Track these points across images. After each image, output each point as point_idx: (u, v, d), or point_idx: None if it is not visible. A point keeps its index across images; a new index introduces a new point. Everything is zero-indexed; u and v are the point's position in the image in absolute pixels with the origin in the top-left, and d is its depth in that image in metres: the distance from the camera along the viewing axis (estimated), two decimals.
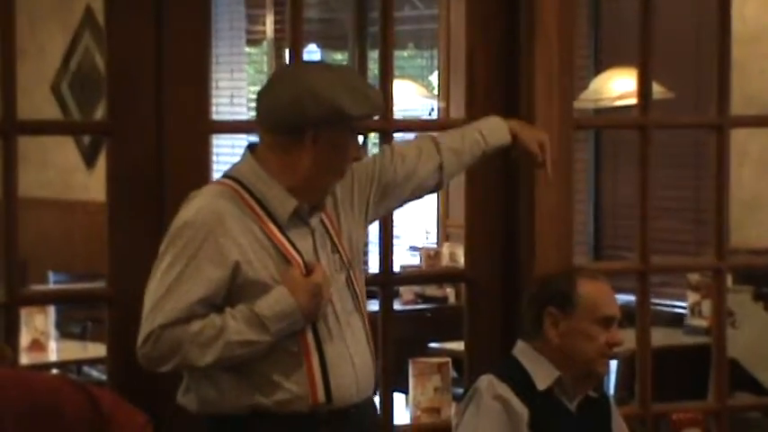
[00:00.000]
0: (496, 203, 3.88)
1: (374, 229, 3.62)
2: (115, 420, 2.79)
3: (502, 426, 3.29)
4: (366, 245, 3.50)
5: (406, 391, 4.67)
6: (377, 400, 3.29)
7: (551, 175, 3.49)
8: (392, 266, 3.84)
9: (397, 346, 3.81)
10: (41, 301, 5.46)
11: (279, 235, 3.00)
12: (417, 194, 3.36)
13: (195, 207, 2.99)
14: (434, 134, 3.41)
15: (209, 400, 3.00)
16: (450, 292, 7.82)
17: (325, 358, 2.99)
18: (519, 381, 3.34)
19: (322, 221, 3.10)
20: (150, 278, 2.99)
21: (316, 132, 2.98)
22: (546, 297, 3.41)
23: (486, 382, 3.34)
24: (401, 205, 3.38)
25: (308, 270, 2.98)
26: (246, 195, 3.01)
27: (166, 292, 2.93)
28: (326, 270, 3.02)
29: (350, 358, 3.03)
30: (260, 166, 3.03)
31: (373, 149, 8.85)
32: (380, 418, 3.30)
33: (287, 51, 3.91)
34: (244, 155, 3.10)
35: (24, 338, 5.69)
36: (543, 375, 3.36)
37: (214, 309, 2.94)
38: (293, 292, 2.94)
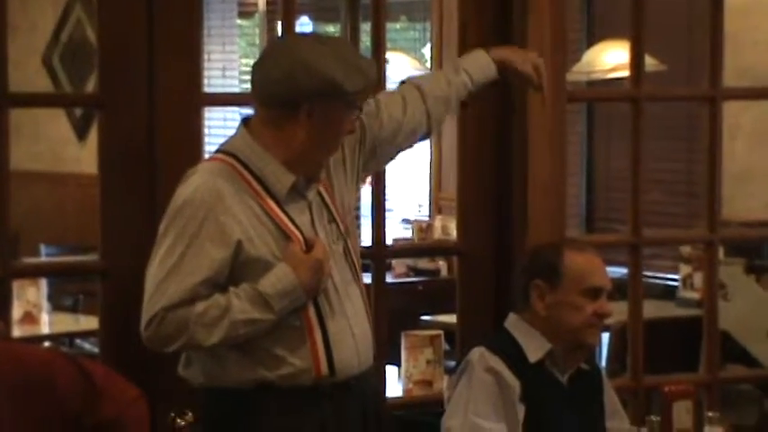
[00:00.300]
0: (489, 176, 3.88)
1: (366, 202, 3.62)
2: (107, 393, 2.79)
3: (494, 398, 3.29)
4: (358, 217, 3.50)
5: (398, 364, 4.67)
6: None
7: (548, 97, 3.48)
8: (384, 239, 3.84)
9: (389, 318, 3.81)
10: (33, 273, 5.45)
11: (278, 211, 2.99)
12: (407, 146, 3.34)
13: (193, 185, 2.97)
14: (419, 80, 3.38)
15: (213, 374, 3.01)
16: (442, 264, 7.81)
17: (328, 332, 3.00)
18: (511, 353, 3.35)
19: (319, 192, 3.10)
20: (151, 259, 2.97)
21: (310, 106, 2.96)
22: (533, 269, 3.42)
23: (478, 354, 3.34)
24: (393, 158, 3.37)
25: (308, 245, 2.98)
26: (244, 171, 3.00)
27: (168, 273, 2.91)
28: (325, 243, 3.02)
29: (350, 330, 3.04)
30: (254, 140, 3.02)
31: None
32: (381, 387, 3.32)
33: (279, 24, 3.90)
34: (238, 129, 3.08)
35: (16, 311, 5.68)
36: (535, 348, 3.37)
37: (218, 288, 2.93)
38: (295, 269, 2.93)
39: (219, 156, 3.04)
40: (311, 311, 2.99)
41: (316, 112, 2.97)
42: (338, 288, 3.05)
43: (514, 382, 3.31)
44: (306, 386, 2.99)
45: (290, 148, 3.00)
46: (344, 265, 3.10)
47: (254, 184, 2.99)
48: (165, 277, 2.91)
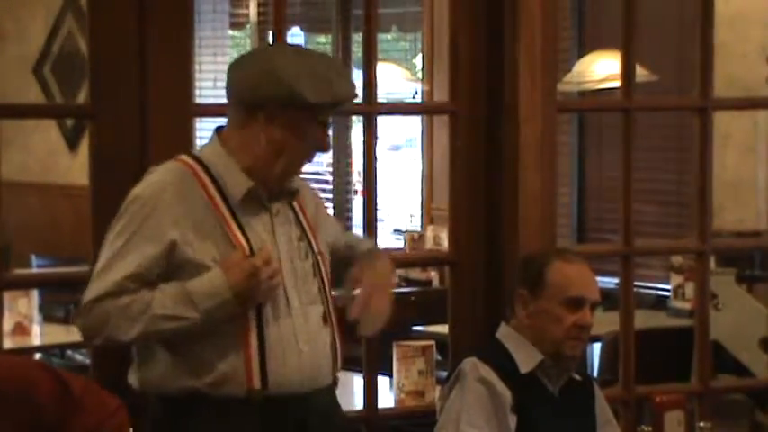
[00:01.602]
0: (480, 187, 3.89)
1: (358, 213, 3.62)
2: (86, 404, 2.77)
3: (486, 408, 3.29)
4: (350, 228, 3.49)
5: (390, 375, 4.67)
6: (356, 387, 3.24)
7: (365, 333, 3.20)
8: None
9: (381, 329, 3.80)
10: (25, 284, 5.43)
11: (227, 216, 2.97)
12: None
13: (146, 182, 3.01)
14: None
15: (149, 379, 3.00)
16: (434, 275, 7.81)
17: (266, 344, 2.94)
18: (502, 363, 3.35)
19: (293, 209, 3.09)
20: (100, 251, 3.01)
21: (271, 111, 2.97)
22: (519, 277, 3.44)
23: (470, 364, 3.35)
24: None
25: (253, 254, 2.95)
26: (203, 174, 3.00)
27: (104, 266, 2.96)
28: (283, 255, 3.00)
29: (296, 346, 2.98)
30: (222, 145, 3.04)
31: (356, 128, 8.81)
32: (339, 411, 3.17)
33: (270, 34, 3.90)
34: (212, 136, 3.10)
35: (7, 322, 5.67)
36: (526, 358, 3.37)
37: (147, 285, 2.93)
38: (226, 272, 2.91)
39: (183, 157, 3.06)
40: (251, 319, 2.94)
41: (276, 118, 2.97)
42: (291, 302, 3.00)
43: (506, 393, 3.31)
44: (237, 397, 2.93)
45: (253, 154, 3.00)
46: (311, 282, 3.05)
47: (211, 187, 2.99)
48: (102, 269, 2.95)
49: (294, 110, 2.97)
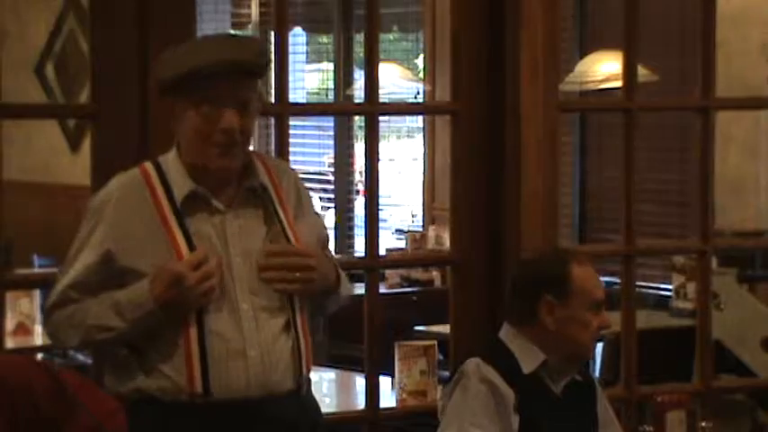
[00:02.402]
0: (482, 186, 3.89)
1: (360, 213, 3.61)
2: (83, 404, 2.77)
3: (489, 408, 3.29)
4: (352, 228, 3.46)
5: (391, 375, 4.67)
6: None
7: None
8: (378, 250, 3.84)
9: (382, 329, 3.81)
10: (26, 284, 5.43)
11: (171, 221, 2.93)
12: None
13: (102, 191, 3.04)
14: None
15: (109, 379, 3.02)
16: (435, 275, 7.81)
17: (206, 347, 2.88)
18: (505, 364, 3.34)
19: (273, 205, 3.00)
20: None
21: (172, 98, 2.94)
22: (540, 283, 3.37)
23: (473, 365, 3.34)
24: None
25: (197, 259, 2.88)
26: (155, 179, 2.98)
27: (58, 273, 3.03)
28: (236, 258, 2.92)
29: (243, 351, 2.90)
30: (177, 145, 3.02)
31: (359, 132, 8.81)
32: (305, 419, 3.02)
33: (272, 34, 3.90)
34: None
35: (10, 322, 5.67)
36: (529, 359, 3.36)
37: (90, 293, 2.95)
38: (151, 281, 2.88)
39: (145, 163, 3.05)
40: (191, 325, 2.88)
41: (177, 103, 2.94)
42: (239, 305, 2.91)
43: (509, 393, 3.30)
44: (182, 401, 2.90)
45: (184, 148, 2.98)
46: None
47: (159, 193, 2.96)
48: (57, 278, 3.03)
49: (185, 88, 2.90)
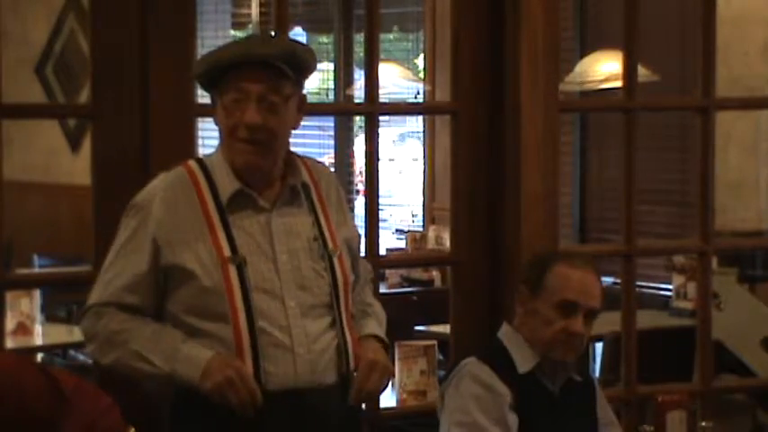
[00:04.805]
0: (482, 187, 3.89)
1: (360, 213, 3.61)
2: (78, 402, 2.77)
3: (485, 408, 3.28)
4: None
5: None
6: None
7: (355, 399, 3.10)
8: (378, 250, 3.84)
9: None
10: (27, 284, 5.43)
11: (215, 219, 2.96)
12: None
13: (146, 189, 3.05)
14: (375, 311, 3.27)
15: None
16: (435, 275, 7.81)
17: (257, 344, 2.91)
18: (501, 363, 3.34)
19: (313, 205, 3.06)
20: None
21: (211, 96, 3.01)
22: (523, 274, 3.44)
23: (468, 364, 3.34)
24: None
25: (236, 256, 2.93)
26: (200, 177, 3.01)
27: (104, 270, 3.01)
28: (282, 257, 2.97)
29: (291, 348, 2.94)
30: (220, 145, 3.05)
31: (359, 132, 8.80)
32: (341, 412, 3.06)
33: (272, 34, 3.90)
34: None
35: (10, 322, 5.67)
36: (524, 358, 3.36)
37: (145, 295, 2.95)
38: (212, 366, 2.87)
39: (190, 162, 3.08)
40: (241, 322, 2.91)
41: (213, 100, 3.01)
42: (287, 304, 2.96)
43: (505, 391, 3.30)
44: None
45: (222, 145, 3.02)
46: (321, 284, 3.01)
47: (205, 190, 2.99)
48: (102, 273, 3.01)
49: (217, 83, 2.98)
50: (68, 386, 2.78)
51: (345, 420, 3.07)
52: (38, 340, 6.21)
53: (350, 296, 3.10)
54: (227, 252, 2.94)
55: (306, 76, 3.06)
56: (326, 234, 3.07)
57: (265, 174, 3.02)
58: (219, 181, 3.00)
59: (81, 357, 6.84)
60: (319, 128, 9.97)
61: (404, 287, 7.73)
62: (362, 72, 3.83)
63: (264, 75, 2.95)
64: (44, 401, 2.73)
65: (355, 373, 3.06)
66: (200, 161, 3.07)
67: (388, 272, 7.34)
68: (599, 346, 6.05)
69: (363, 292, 3.25)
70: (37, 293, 6.15)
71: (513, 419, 3.29)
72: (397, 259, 6.09)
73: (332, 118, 9.34)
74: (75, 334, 6.65)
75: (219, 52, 2.99)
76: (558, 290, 3.33)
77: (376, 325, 3.21)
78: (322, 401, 3.00)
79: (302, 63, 3.01)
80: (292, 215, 3.04)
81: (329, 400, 3.02)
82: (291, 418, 2.96)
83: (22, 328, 6.05)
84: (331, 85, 9.70)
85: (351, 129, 9.41)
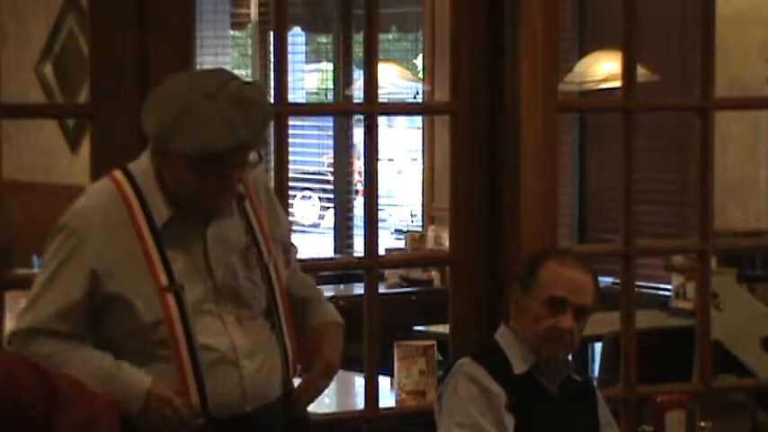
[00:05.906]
0: (481, 186, 3.89)
1: (359, 213, 3.61)
2: (73, 401, 2.77)
3: (480, 408, 3.27)
4: (351, 228, 3.44)
5: (391, 375, 4.67)
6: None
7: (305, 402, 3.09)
8: (377, 250, 3.84)
9: (381, 329, 3.81)
10: (26, 284, 5.42)
11: (150, 245, 2.89)
12: None
13: (76, 208, 2.93)
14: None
15: None
16: (435, 275, 7.81)
17: (198, 361, 2.86)
18: (495, 363, 3.33)
19: (245, 212, 2.98)
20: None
21: (159, 153, 2.89)
22: (517, 272, 3.44)
23: (463, 365, 3.34)
24: None
25: (172, 284, 2.87)
26: (131, 195, 2.91)
27: (35, 295, 2.93)
28: (219, 280, 2.91)
29: (236, 362, 2.90)
30: (151, 160, 2.93)
31: (358, 132, 8.82)
32: (292, 423, 3.05)
33: (271, 34, 3.90)
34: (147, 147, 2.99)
35: (9, 322, 5.66)
36: (521, 358, 3.35)
37: (79, 327, 2.89)
38: (150, 400, 2.83)
39: (117, 174, 2.95)
40: (180, 340, 2.86)
41: (165, 159, 2.88)
42: (225, 317, 2.91)
43: (500, 392, 3.29)
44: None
45: (169, 181, 2.90)
46: (258, 293, 2.97)
47: (137, 211, 2.89)
48: (33, 298, 2.94)
49: (168, 153, 2.85)
50: (64, 385, 2.78)
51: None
52: None
53: (287, 301, 3.03)
54: (164, 280, 2.87)
55: None
56: (260, 241, 2.99)
57: None
58: (152, 203, 2.90)
59: None
60: (318, 128, 9.99)
61: (403, 287, 7.72)
62: (361, 72, 3.83)
63: (245, 155, 2.89)
64: (39, 399, 2.73)
65: (300, 371, 3.01)
66: (127, 173, 2.95)
67: (387, 272, 7.34)
68: (598, 346, 6.05)
69: (297, 273, 3.18)
70: None
71: (509, 420, 3.29)
72: (396, 259, 6.09)
73: (331, 118, 9.34)
74: None
75: (208, 135, 2.78)
76: (547, 287, 3.32)
77: (330, 309, 3.16)
78: (270, 418, 2.96)
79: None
80: (227, 226, 2.95)
81: (276, 415, 2.98)
82: None
83: None
84: (330, 85, 9.71)
85: (350, 129, 9.41)
